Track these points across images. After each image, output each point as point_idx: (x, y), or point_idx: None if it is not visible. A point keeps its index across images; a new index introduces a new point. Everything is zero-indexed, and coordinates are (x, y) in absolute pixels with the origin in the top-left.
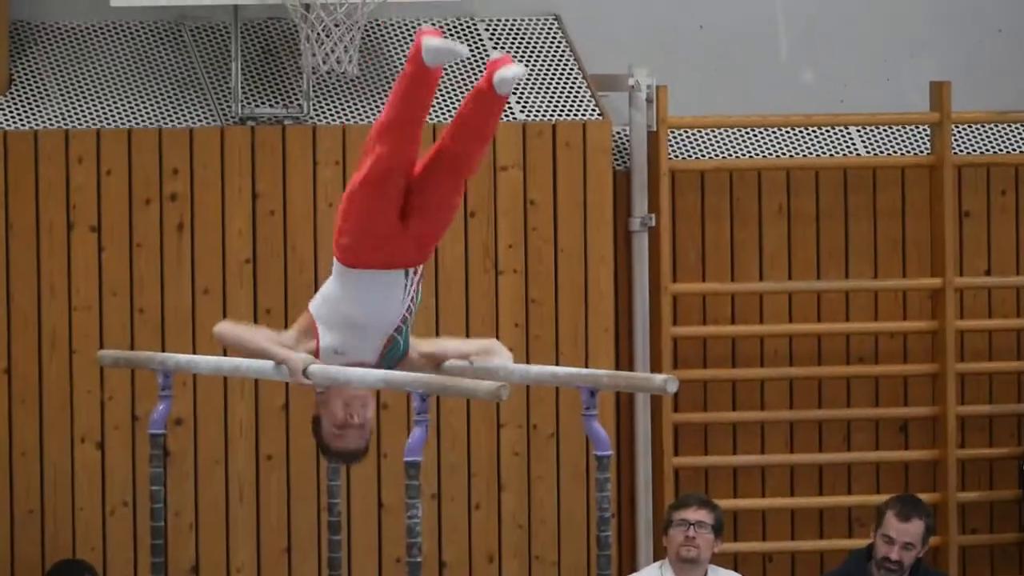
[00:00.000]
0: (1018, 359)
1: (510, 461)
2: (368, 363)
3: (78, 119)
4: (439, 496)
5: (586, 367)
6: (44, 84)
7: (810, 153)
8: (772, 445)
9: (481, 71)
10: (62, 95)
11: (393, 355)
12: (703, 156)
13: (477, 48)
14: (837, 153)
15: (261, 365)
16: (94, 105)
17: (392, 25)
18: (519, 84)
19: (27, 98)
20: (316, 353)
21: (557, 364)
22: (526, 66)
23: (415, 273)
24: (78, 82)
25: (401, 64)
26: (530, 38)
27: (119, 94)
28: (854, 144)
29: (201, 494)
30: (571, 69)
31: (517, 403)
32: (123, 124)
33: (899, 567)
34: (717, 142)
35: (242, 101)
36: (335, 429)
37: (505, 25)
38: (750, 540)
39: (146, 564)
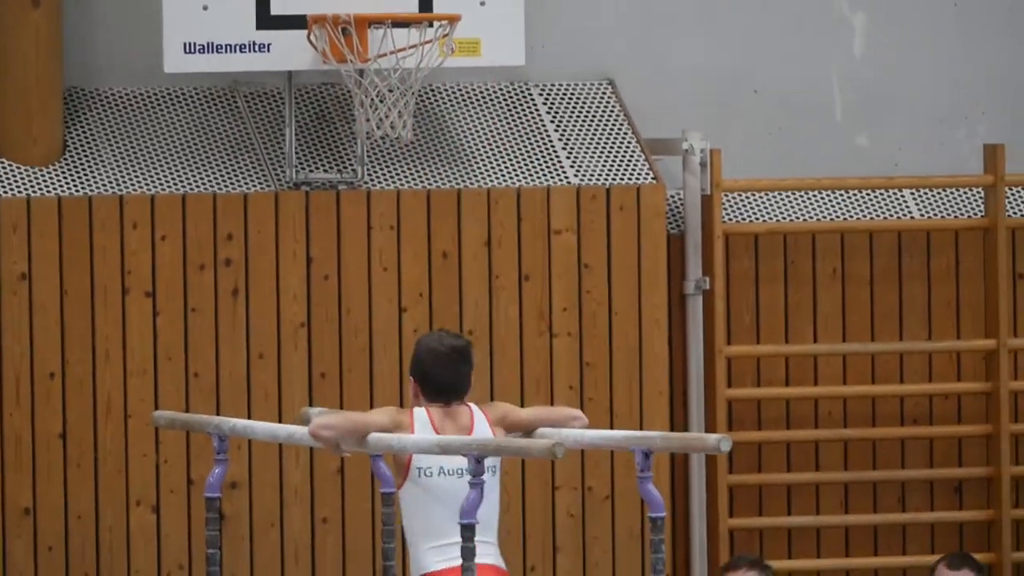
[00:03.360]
0: None
1: (565, 523)
2: None
3: (133, 185)
4: None
5: (641, 429)
6: (99, 150)
7: (864, 216)
8: (827, 506)
9: (535, 139)
10: (116, 161)
11: None
12: (757, 219)
13: (532, 115)
14: (891, 216)
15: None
16: (148, 171)
17: (446, 90)
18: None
19: (82, 164)
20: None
21: (612, 427)
22: (580, 130)
23: None
24: (132, 148)
25: (455, 129)
26: (584, 102)
27: (173, 160)
28: (908, 207)
29: (256, 557)
30: (625, 133)
31: (572, 465)
32: (178, 190)
33: None
34: (771, 205)
35: (296, 166)
36: None
37: (559, 90)
38: None
39: None
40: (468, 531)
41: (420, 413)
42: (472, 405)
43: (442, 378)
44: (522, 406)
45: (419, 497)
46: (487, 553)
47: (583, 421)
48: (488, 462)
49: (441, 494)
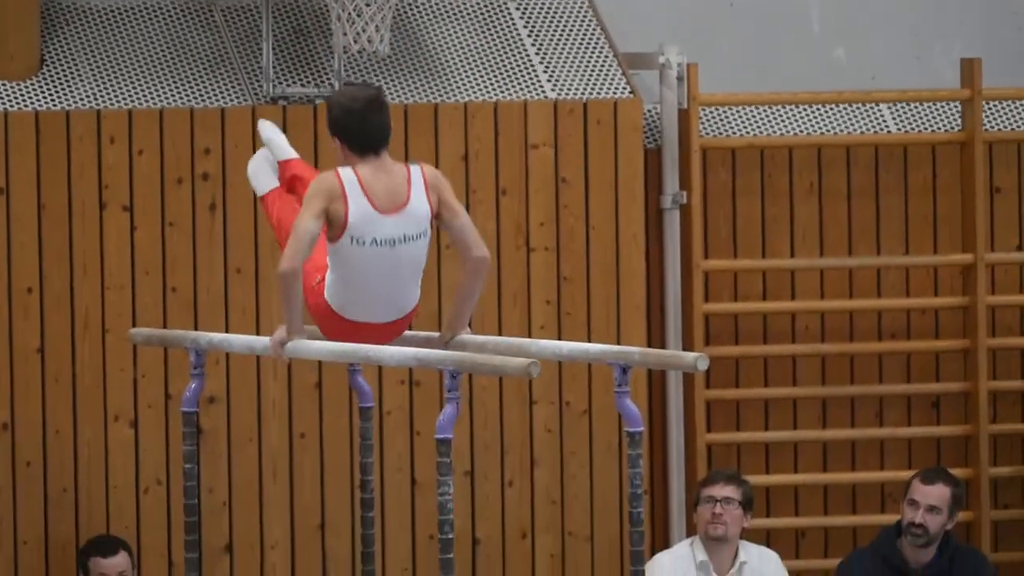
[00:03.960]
0: None
1: (543, 438)
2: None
3: (110, 99)
4: (472, 473)
5: (618, 344)
6: (76, 65)
7: (841, 130)
8: (804, 421)
9: (513, 53)
10: (94, 75)
11: None
12: (734, 133)
13: (510, 29)
14: (868, 130)
15: (294, 346)
16: (126, 85)
17: (424, 4)
18: None
19: (59, 79)
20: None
21: (589, 341)
22: (558, 44)
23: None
24: (110, 62)
25: (432, 43)
26: (562, 17)
27: (151, 74)
28: (885, 121)
29: (234, 472)
30: (602, 48)
31: (549, 380)
32: (155, 104)
33: (924, 531)
34: (748, 119)
35: (273, 81)
36: None
37: (537, 4)
38: (783, 516)
39: (179, 542)
40: (444, 446)
41: (347, 174)
42: (412, 165)
43: (370, 128)
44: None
45: (347, 259)
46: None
47: (486, 264)
48: (413, 230)
49: (369, 260)
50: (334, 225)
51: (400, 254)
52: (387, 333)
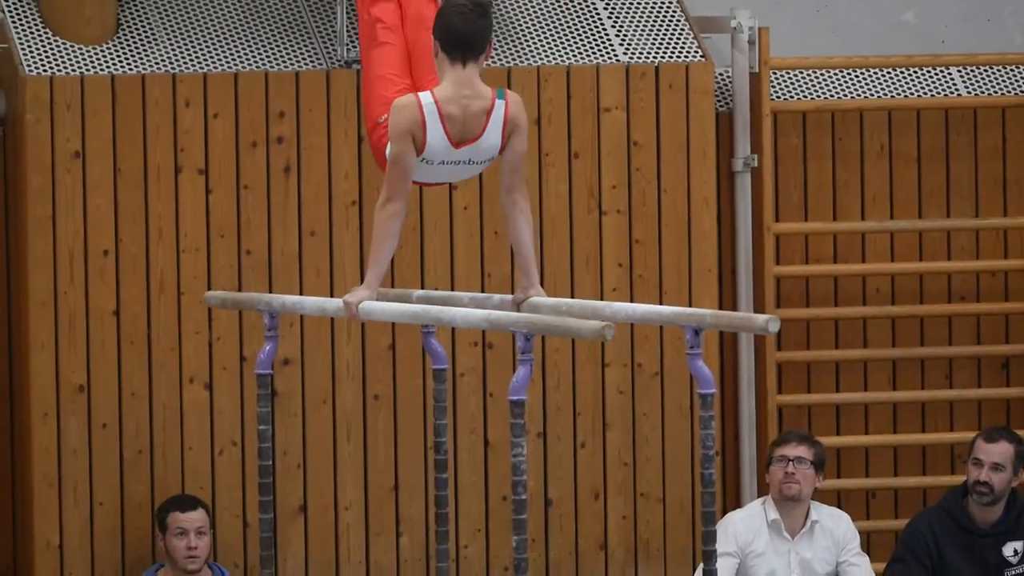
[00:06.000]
0: None
1: (615, 400)
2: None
3: (185, 63)
4: (544, 435)
5: (689, 306)
6: (151, 29)
7: (911, 94)
8: (874, 383)
9: (585, 17)
10: (169, 40)
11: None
12: (805, 97)
13: None
14: (938, 93)
15: (367, 306)
16: (201, 49)
17: None
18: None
19: (135, 43)
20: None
21: (661, 304)
22: (630, 8)
23: None
24: (185, 27)
25: (505, 7)
26: None
27: (226, 38)
28: (955, 84)
29: (308, 434)
30: (674, 12)
31: (622, 343)
32: (230, 68)
33: (990, 490)
34: (819, 83)
35: (347, 44)
36: None
37: None
38: (853, 477)
39: (254, 503)
40: (518, 408)
41: (427, 100)
42: (499, 95)
43: (467, 31)
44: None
45: (415, 165)
46: None
47: (527, 212)
48: (481, 157)
49: (435, 170)
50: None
51: (463, 171)
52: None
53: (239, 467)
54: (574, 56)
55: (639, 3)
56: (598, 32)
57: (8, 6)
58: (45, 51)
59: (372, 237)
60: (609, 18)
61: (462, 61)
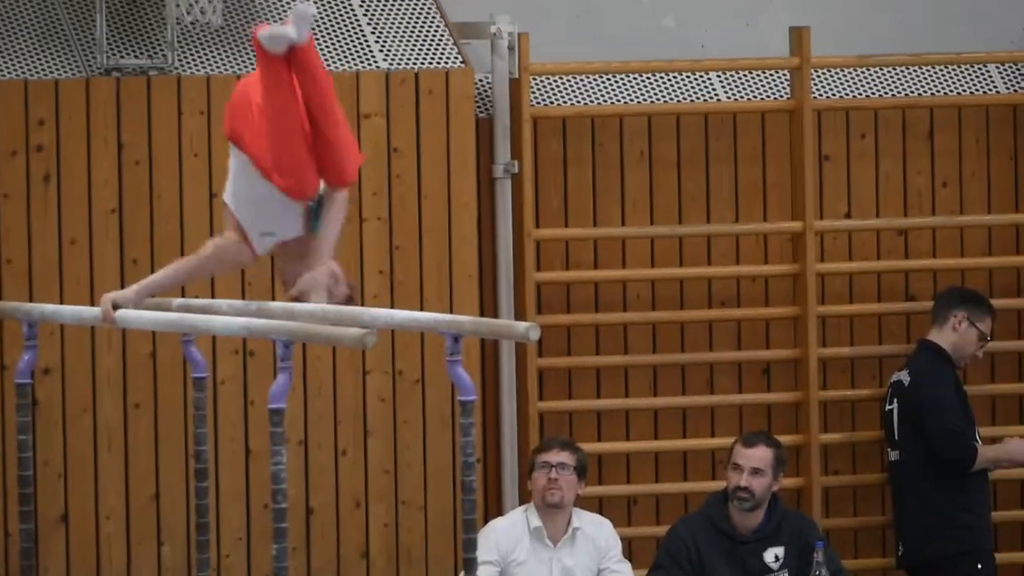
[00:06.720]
0: (878, 301)
1: (376, 407)
2: (300, 237)
3: None
4: (306, 442)
5: (451, 313)
6: None
7: (671, 99)
8: (636, 389)
9: (344, 23)
10: None
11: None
12: (565, 103)
13: None
14: (698, 99)
15: (125, 315)
16: None
17: None
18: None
19: None
20: (246, 240)
21: (422, 310)
22: (389, 14)
23: None
24: None
25: (264, 13)
26: None
27: None
28: (715, 89)
29: (69, 443)
30: (433, 17)
31: (382, 349)
32: None
33: (750, 495)
34: (579, 89)
35: (107, 52)
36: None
37: None
38: (615, 483)
39: (15, 513)
40: (277, 416)
41: None
42: None
43: None
44: None
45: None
46: None
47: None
48: None
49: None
50: None
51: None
52: None
53: (0, 477)
54: (333, 62)
55: (398, 9)
56: (357, 38)
57: None
58: None
59: (184, 261)
60: (368, 24)
61: None
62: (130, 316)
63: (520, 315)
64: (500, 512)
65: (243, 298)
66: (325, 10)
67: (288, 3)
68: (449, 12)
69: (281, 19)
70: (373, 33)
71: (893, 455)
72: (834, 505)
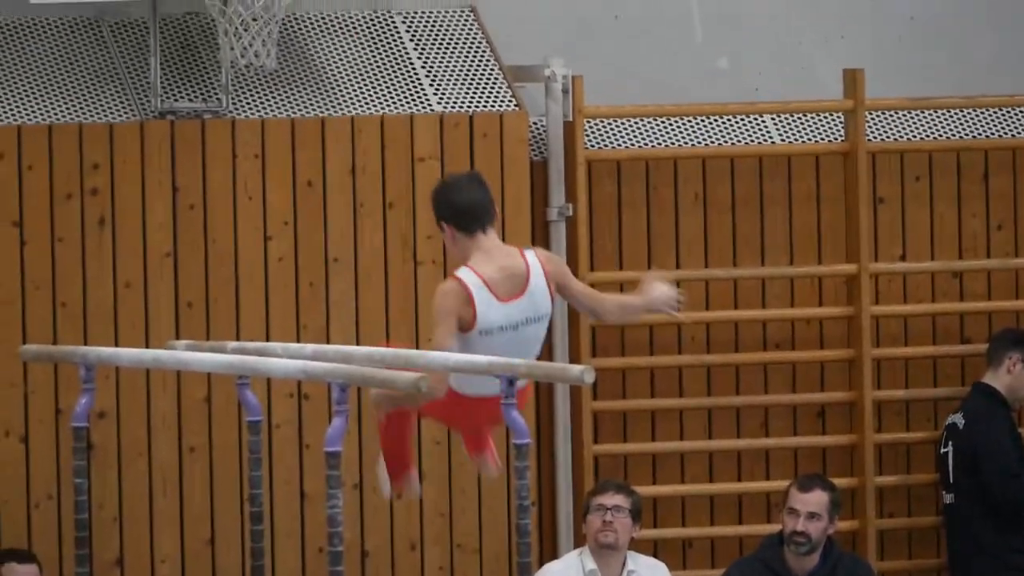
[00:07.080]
0: (933, 344)
1: (431, 450)
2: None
3: None
4: (361, 485)
5: None
6: None
7: (725, 141)
8: (690, 432)
9: (399, 66)
10: None
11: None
12: (619, 146)
13: (395, 43)
14: (752, 141)
15: (182, 357)
16: (14, 101)
17: (309, 18)
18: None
19: None
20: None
21: None
22: (443, 58)
23: None
24: None
25: (318, 57)
26: (446, 30)
27: (39, 90)
28: (769, 132)
29: (125, 486)
30: (487, 60)
31: None
32: (43, 119)
33: (807, 539)
34: (633, 132)
35: (161, 96)
36: None
37: (421, 17)
38: (669, 526)
39: (71, 556)
40: (333, 459)
41: (468, 275)
42: (527, 252)
43: (471, 201)
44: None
45: (474, 346)
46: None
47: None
48: (535, 312)
49: (495, 343)
50: (462, 324)
51: (524, 334)
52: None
53: (55, 521)
54: (388, 106)
55: (453, 52)
56: (412, 81)
57: None
58: None
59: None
60: (423, 67)
61: (482, 229)
62: (189, 359)
63: (575, 358)
64: (555, 555)
65: (297, 341)
66: (379, 53)
67: (342, 50)
68: (503, 56)
69: (328, 60)
70: (427, 76)
71: (948, 498)
72: (889, 548)
